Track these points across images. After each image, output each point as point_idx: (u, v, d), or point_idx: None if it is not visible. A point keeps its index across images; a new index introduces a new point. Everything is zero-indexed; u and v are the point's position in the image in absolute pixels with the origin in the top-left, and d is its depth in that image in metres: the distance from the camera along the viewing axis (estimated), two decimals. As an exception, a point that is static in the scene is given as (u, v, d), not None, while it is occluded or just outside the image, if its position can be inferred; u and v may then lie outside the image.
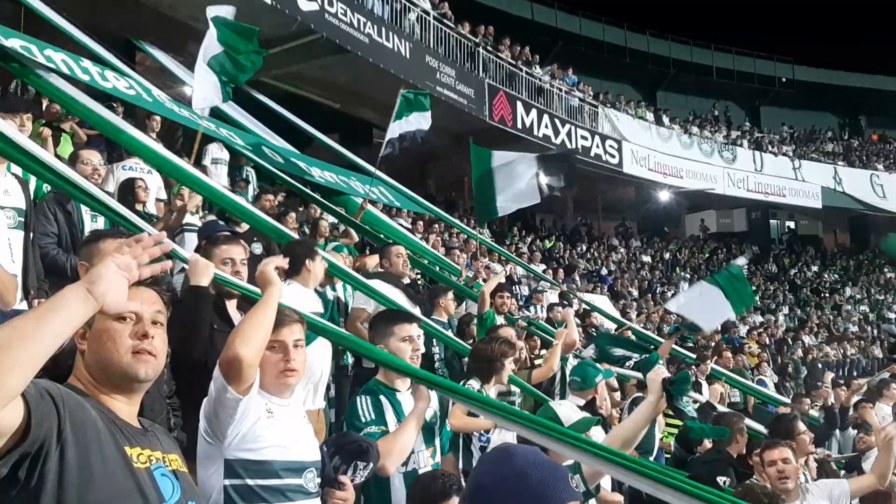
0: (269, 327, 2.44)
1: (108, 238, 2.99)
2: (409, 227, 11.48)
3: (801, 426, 5.14)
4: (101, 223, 4.52)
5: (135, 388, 1.74)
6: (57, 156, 5.53)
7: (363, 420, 3.16)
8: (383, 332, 3.35)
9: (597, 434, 3.81)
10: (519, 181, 8.32)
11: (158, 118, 7.88)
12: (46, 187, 4.78)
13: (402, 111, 8.18)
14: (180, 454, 1.82)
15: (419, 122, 8.29)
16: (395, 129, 8.17)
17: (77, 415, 1.53)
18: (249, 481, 2.37)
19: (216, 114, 7.65)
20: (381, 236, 7.95)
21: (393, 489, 3.14)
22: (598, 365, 5.34)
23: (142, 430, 1.74)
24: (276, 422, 2.46)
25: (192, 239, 5.81)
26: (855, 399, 8.64)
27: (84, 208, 4.53)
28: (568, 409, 3.45)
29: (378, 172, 9.33)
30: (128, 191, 5.79)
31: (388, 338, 3.32)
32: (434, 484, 2.65)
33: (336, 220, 8.19)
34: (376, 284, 5.58)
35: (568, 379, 6.09)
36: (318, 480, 2.53)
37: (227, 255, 3.59)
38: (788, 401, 8.92)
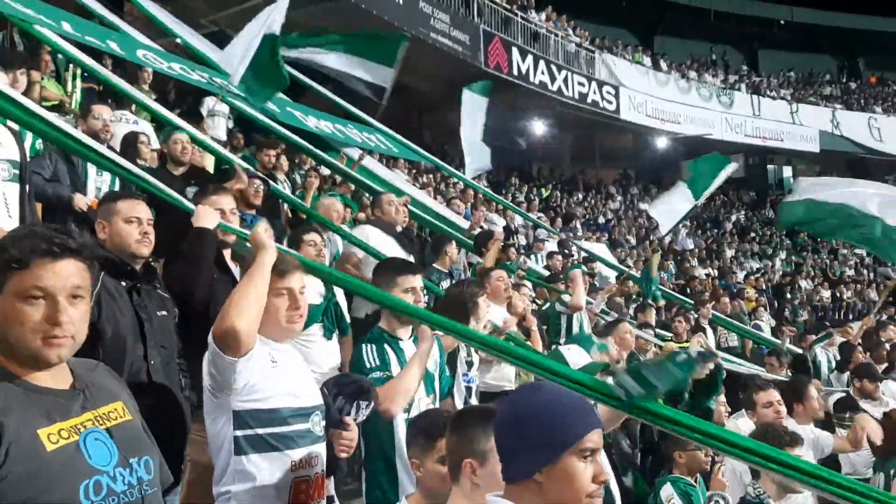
0: (263, 294, 2.43)
1: (124, 198, 3.07)
2: (408, 177, 11.41)
3: (812, 391, 4.92)
4: (106, 177, 4.51)
5: (48, 367, 1.60)
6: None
7: (368, 366, 3.22)
8: (387, 283, 3.39)
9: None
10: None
11: (150, 70, 7.75)
12: (39, 144, 4.72)
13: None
14: (124, 398, 1.73)
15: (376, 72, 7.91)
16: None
17: None
18: (259, 430, 2.42)
19: (209, 64, 7.50)
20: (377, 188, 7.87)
21: (397, 437, 3.17)
22: (593, 338, 5.29)
23: (70, 393, 1.62)
24: (281, 370, 2.50)
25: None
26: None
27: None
28: (576, 354, 3.48)
29: (374, 122, 9.23)
30: (130, 145, 5.72)
31: (391, 288, 3.36)
32: (436, 417, 2.69)
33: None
34: (369, 232, 5.59)
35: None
36: (324, 423, 2.59)
37: (216, 206, 3.57)
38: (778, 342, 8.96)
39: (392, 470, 3.17)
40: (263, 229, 2.67)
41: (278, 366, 2.49)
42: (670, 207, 9.39)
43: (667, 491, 3.85)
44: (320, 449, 2.55)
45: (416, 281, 3.41)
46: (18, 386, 1.54)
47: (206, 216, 3.37)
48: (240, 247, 3.62)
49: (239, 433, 2.41)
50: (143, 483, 1.65)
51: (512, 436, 1.59)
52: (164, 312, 3.04)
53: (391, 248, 5.48)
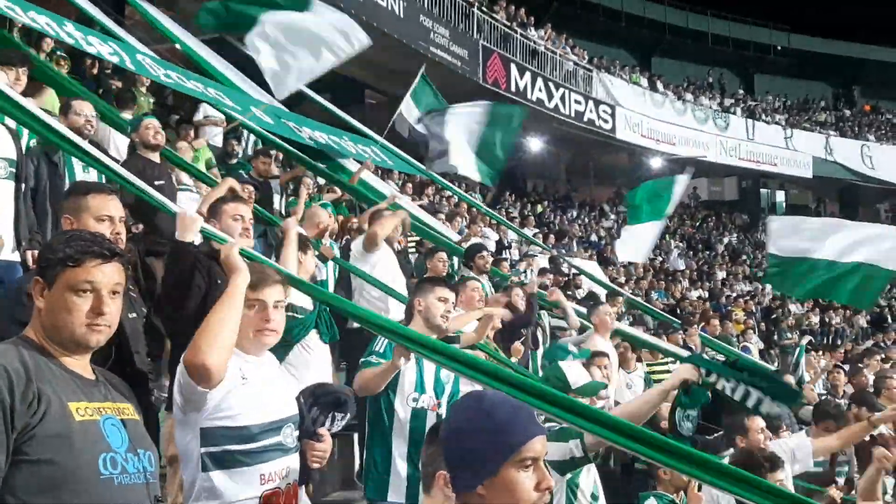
0: (236, 322, 2.36)
1: (95, 192, 2.86)
2: (399, 188, 11.45)
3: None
4: (93, 175, 4.41)
5: (86, 351, 1.87)
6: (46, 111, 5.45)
7: (372, 349, 3.52)
8: (426, 290, 3.74)
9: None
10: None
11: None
12: (33, 143, 4.72)
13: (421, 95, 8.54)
14: (134, 403, 1.94)
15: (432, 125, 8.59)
16: (409, 109, 8.58)
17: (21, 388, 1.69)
18: (227, 447, 2.36)
19: (205, 72, 7.54)
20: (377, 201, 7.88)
21: (397, 420, 3.46)
22: (570, 347, 5.29)
23: (93, 382, 1.86)
24: (251, 386, 2.44)
25: (183, 198, 5.80)
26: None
27: (75, 160, 4.42)
28: (576, 372, 3.51)
29: (371, 133, 9.27)
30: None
31: (428, 294, 3.70)
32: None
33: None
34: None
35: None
36: (296, 434, 2.53)
37: (236, 213, 3.58)
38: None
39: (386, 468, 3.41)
40: (237, 249, 2.56)
41: (248, 382, 2.43)
42: (637, 240, 9.49)
43: None
44: (291, 461, 2.49)
45: (450, 295, 3.76)
46: (55, 365, 1.79)
47: (187, 227, 3.15)
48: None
49: (205, 450, 2.35)
50: (147, 472, 1.85)
51: (454, 448, 1.58)
52: (134, 315, 2.96)
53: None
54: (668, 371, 6.96)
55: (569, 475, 3.28)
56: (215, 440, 2.35)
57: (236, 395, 2.37)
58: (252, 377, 2.45)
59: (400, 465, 3.41)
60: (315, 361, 4.46)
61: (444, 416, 3.55)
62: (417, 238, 8.69)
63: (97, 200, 2.79)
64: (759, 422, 4.40)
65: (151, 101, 8.62)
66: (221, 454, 2.34)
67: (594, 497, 3.51)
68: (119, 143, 6.43)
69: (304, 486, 2.66)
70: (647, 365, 7.11)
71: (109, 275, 1.85)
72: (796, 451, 4.45)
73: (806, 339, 9.24)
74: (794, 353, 8.31)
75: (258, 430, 2.39)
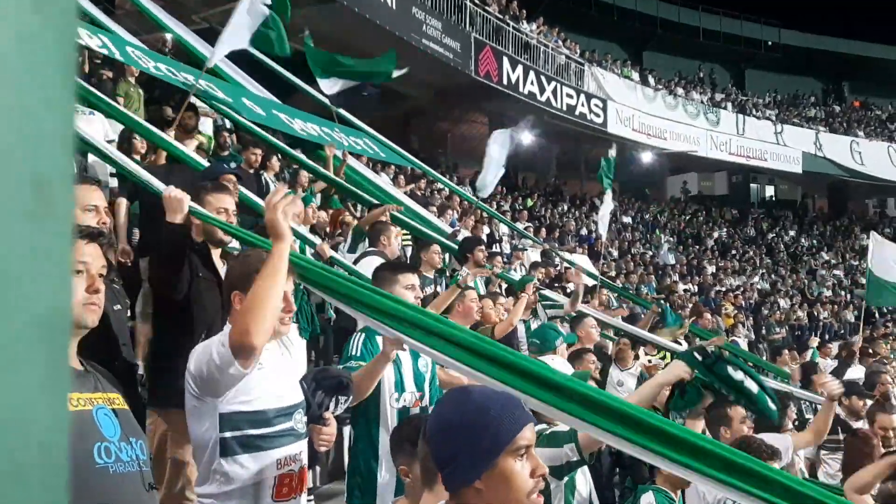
0: (280, 292, 2.35)
1: (79, 183, 2.88)
2: (391, 181, 11.42)
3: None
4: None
5: (79, 334, 1.86)
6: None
7: (348, 354, 3.36)
8: (389, 280, 3.49)
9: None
10: None
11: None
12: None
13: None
14: (122, 393, 1.95)
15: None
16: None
17: None
18: (245, 431, 2.40)
19: (195, 63, 7.48)
20: (365, 196, 7.84)
21: (383, 425, 3.33)
22: (558, 328, 5.25)
23: (83, 372, 1.85)
24: (265, 371, 2.46)
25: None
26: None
27: None
28: (560, 365, 3.50)
29: (362, 125, 9.23)
30: (124, 140, 5.73)
31: (393, 285, 3.45)
32: (420, 424, 2.74)
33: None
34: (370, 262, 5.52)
35: (527, 341, 6.08)
36: (305, 419, 2.59)
37: (220, 205, 3.44)
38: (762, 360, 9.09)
39: (371, 473, 3.29)
40: (283, 210, 2.44)
41: (263, 368, 2.45)
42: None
43: (647, 499, 3.86)
44: (303, 445, 2.57)
45: (415, 279, 3.60)
46: None
47: (173, 207, 3.12)
48: (228, 248, 3.60)
49: (226, 435, 2.39)
50: (140, 460, 1.85)
51: (446, 445, 1.58)
52: (119, 307, 2.93)
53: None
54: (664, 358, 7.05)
55: (566, 478, 3.28)
56: (235, 424, 2.39)
57: (254, 381, 2.39)
58: (266, 363, 2.47)
59: (389, 470, 3.26)
60: (295, 355, 4.44)
61: (428, 409, 3.52)
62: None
63: (82, 191, 2.79)
64: (740, 411, 4.36)
65: (142, 92, 8.54)
66: (242, 437, 2.39)
67: (589, 495, 3.51)
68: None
69: (310, 470, 2.70)
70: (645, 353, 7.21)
71: (98, 256, 1.87)
72: (778, 445, 4.45)
73: (815, 342, 9.27)
74: (781, 347, 8.40)
75: (273, 415, 2.45)
